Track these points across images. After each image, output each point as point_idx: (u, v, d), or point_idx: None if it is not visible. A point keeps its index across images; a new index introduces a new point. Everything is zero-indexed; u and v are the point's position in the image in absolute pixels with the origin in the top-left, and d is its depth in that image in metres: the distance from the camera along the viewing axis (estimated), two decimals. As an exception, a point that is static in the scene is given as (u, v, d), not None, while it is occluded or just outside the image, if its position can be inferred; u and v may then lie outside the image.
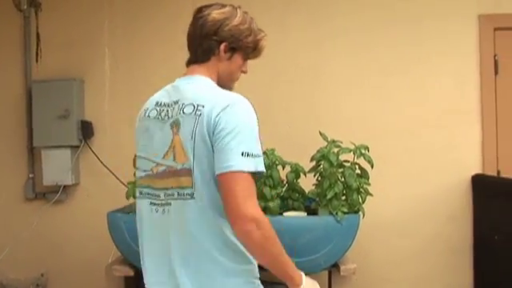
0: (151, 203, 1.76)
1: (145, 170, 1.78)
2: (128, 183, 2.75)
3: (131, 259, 2.67)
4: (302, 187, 2.85)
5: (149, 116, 1.82)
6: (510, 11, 3.49)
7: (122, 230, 2.63)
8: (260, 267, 2.64)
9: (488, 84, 3.50)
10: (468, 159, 3.51)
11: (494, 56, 3.51)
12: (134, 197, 2.65)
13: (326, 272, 2.76)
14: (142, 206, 1.81)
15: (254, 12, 3.51)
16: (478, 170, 3.50)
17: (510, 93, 3.52)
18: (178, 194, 1.67)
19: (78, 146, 3.55)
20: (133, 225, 2.59)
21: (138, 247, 2.57)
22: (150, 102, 1.87)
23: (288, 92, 3.53)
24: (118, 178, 3.39)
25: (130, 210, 2.74)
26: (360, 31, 3.53)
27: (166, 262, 1.74)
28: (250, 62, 3.59)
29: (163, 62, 3.58)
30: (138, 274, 2.76)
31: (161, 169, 1.72)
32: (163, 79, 3.51)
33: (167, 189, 1.70)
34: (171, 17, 3.59)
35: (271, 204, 2.59)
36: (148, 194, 1.77)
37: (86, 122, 3.56)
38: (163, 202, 1.72)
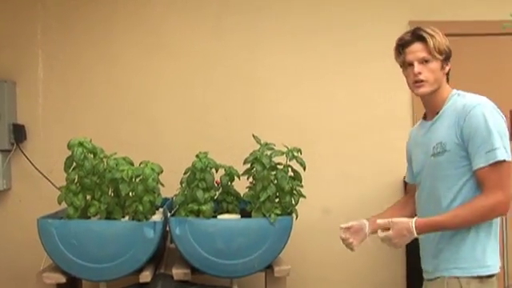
0: None
1: None
2: (61, 187, 2.68)
3: (63, 266, 2.61)
4: (238, 190, 2.87)
5: None
6: (440, 18, 3.63)
7: (53, 236, 2.57)
8: (196, 270, 2.65)
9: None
10: (400, 161, 3.60)
11: (426, 58, 3.63)
12: (66, 202, 2.62)
13: (263, 274, 2.77)
14: None
15: (190, 14, 3.57)
16: (409, 172, 3.60)
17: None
18: None
19: (9, 150, 3.45)
20: (65, 230, 2.56)
21: (70, 253, 2.54)
22: None
23: (223, 95, 3.55)
24: (51, 182, 3.31)
25: (62, 216, 2.68)
26: (295, 34, 3.60)
27: None
28: (182, 64, 3.62)
29: (98, 63, 3.53)
30: (70, 281, 2.72)
31: None
32: (99, 81, 3.52)
33: None
34: (105, 17, 3.55)
35: (204, 207, 2.59)
36: None
37: (18, 125, 3.46)
38: None
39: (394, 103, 3.62)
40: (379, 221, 2.14)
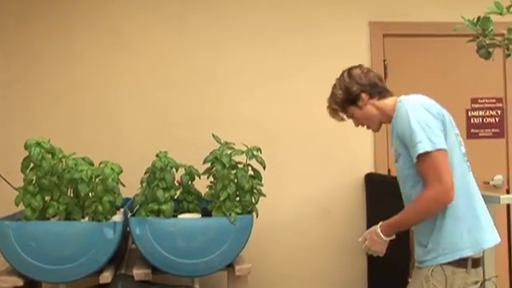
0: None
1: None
2: (18, 188, 2.64)
3: (20, 269, 2.57)
4: (199, 190, 2.87)
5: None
6: (398, 19, 3.71)
7: (10, 237, 2.53)
8: (157, 270, 2.64)
9: (378, 87, 3.68)
10: (361, 159, 3.69)
11: (384, 61, 3.71)
12: (24, 203, 2.58)
13: (225, 273, 2.78)
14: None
15: (151, 13, 3.56)
16: (370, 170, 3.68)
17: (398, 95, 3.70)
18: None
19: (-36, 150, 3.37)
20: (22, 232, 2.52)
21: (28, 256, 2.50)
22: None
23: (184, 94, 3.55)
24: (9, 183, 3.22)
25: (20, 217, 2.64)
26: (256, 34, 3.63)
27: None
28: (144, 63, 3.59)
29: (58, 61, 3.49)
30: (28, 284, 2.67)
31: None
32: (58, 80, 3.47)
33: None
34: (65, 14, 3.51)
35: (164, 207, 2.59)
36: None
37: (-26, 124, 3.39)
38: None
39: (355, 102, 3.68)
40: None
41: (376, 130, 2.42)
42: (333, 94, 2.44)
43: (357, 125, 2.45)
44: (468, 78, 3.87)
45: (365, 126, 2.43)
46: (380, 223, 2.24)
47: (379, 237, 2.21)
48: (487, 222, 2.21)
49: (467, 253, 2.12)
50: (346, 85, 2.37)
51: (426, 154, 2.06)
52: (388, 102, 2.32)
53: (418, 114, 2.13)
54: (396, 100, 2.30)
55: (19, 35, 3.48)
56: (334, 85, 2.45)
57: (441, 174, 2.05)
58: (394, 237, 2.24)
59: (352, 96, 2.35)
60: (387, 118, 2.31)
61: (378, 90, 2.35)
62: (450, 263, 2.11)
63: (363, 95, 2.33)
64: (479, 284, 2.15)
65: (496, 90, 3.94)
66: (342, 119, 2.47)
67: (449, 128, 2.19)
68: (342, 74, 2.44)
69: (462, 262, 2.11)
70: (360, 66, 2.42)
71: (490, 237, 2.20)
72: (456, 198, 2.09)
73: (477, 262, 2.16)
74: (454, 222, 2.13)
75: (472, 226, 2.15)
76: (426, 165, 2.08)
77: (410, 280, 2.30)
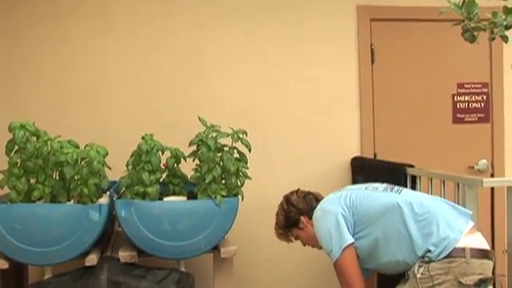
0: None
1: None
2: (2, 171, 2.63)
3: (6, 251, 2.57)
4: (185, 173, 2.88)
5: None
6: (386, 3, 3.71)
7: (-5, 220, 2.52)
8: (143, 252, 2.65)
9: (365, 72, 3.71)
10: (348, 143, 3.71)
11: (371, 45, 3.72)
12: (9, 186, 2.57)
13: (211, 255, 2.79)
14: None
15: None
16: (356, 153, 3.70)
17: (385, 80, 3.76)
18: None
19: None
20: (7, 215, 2.52)
21: (13, 238, 2.50)
22: None
23: (170, 77, 3.54)
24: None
25: (5, 200, 2.63)
26: (242, 16, 3.61)
27: None
28: (129, 46, 3.55)
29: (43, 44, 3.47)
30: (14, 266, 2.67)
31: None
32: (44, 62, 3.44)
33: None
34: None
35: (150, 189, 2.59)
36: None
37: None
38: None
39: (341, 85, 3.70)
40: None
41: (320, 248, 2.56)
42: (276, 221, 2.71)
43: (304, 244, 2.71)
44: (454, 63, 3.89)
45: (311, 246, 2.68)
46: None
47: None
48: (450, 212, 2.30)
49: (456, 237, 2.18)
50: (286, 211, 2.65)
51: (336, 262, 2.37)
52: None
53: (321, 224, 2.43)
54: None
55: (4, 17, 3.44)
56: (277, 212, 2.71)
57: (350, 281, 2.36)
58: None
59: (292, 220, 2.63)
60: None
61: (312, 211, 2.56)
62: (446, 256, 2.18)
63: (302, 218, 2.61)
64: (480, 277, 2.18)
65: (482, 76, 3.97)
66: (290, 241, 2.74)
67: (353, 199, 2.41)
68: (282, 201, 2.71)
69: (458, 252, 2.17)
70: (297, 191, 2.70)
71: (459, 220, 2.28)
72: (417, 213, 2.27)
73: (481, 253, 2.20)
74: (424, 232, 2.24)
75: (440, 223, 2.23)
76: (337, 273, 2.41)
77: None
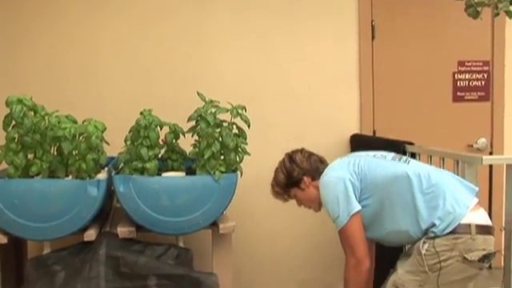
0: None
1: None
2: (0, 146, 2.61)
3: (4, 226, 2.57)
4: (184, 148, 2.87)
5: None
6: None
7: (-7, 195, 2.52)
8: (142, 228, 2.66)
9: (365, 48, 3.68)
10: (347, 120, 3.70)
11: (372, 22, 3.68)
12: (6, 161, 2.55)
13: (209, 231, 2.80)
14: None
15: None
16: (356, 131, 3.69)
17: (385, 57, 3.72)
18: None
19: None
20: (5, 190, 2.51)
21: (12, 213, 2.49)
22: None
23: (169, 52, 3.51)
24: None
25: (2, 176, 2.62)
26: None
27: None
28: (128, 21, 3.51)
29: (41, 18, 3.42)
30: (13, 241, 2.68)
31: None
32: (41, 37, 3.41)
33: None
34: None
35: (148, 165, 2.58)
36: None
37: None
38: None
39: (341, 62, 3.67)
40: None
41: (317, 210, 2.57)
42: (275, 178, 2.63)
43: (299, 205, 2.63)
44: (456, 40, 3.86)
45: (307, 207, 2.63)
46: None
47: None
48: (457, 187, 2.31)
49: (463, 212, 2.19)
50: (288, 169, 2.57)
51: (343, 228, 2.33)
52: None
53: (329, 190, 2.37)
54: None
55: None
56: (277, 169, 2.63)
57: (354, 247, 2.32)
58: None
59: (294, 180, 2.55)
60: None
61: (320, 172, 2.50)
62: (451, 232, 2.18)
63: (305, 178, 2.54)
64: (485, 253, 2.19)
65: (483, 54, 3.93)
66: (286, 200, 2.67)
67: (362, 166, 2.37)
68: (284, 159, 2.63)
69: (464, 228, 2.18)
70: (301, 151, 2.62)
71: (466, 195, 2.29)
72: (423, 184, 2.26)
73: (485, 229, 2.22)
74: (439, 201, 2.23)
75: (447, 197, 2.24)
76: (342, 239, 2.37)
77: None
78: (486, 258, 2.20)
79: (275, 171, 2.64)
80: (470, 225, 2.18)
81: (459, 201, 2.23)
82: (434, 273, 2.18)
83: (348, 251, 2.35)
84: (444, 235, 2.18)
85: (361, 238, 2.32)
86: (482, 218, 2.25)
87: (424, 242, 2.20)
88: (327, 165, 2.56)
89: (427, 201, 2.24)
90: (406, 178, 2.27)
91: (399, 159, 2.41)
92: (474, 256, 2.17)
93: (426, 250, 2.19)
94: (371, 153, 2.49)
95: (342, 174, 2.35)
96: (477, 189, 2.34)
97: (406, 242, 2.39)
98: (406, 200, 2.26)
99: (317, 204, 2.55)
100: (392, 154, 2.46)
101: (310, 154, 2.60)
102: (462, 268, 2.18)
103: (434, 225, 2.21)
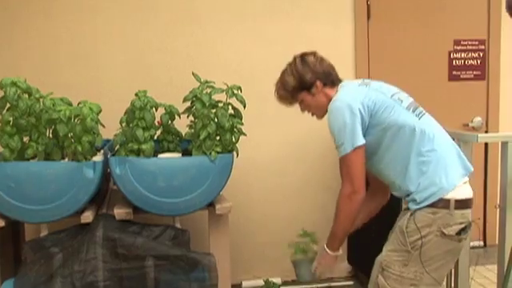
0: None
1: None
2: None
3: (1, 209, 2.57)
4: (179, 129, 2.86)
5: None
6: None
7: (-10, 177, 2.51)
8: (139, 209, 2.66)
9: (361, 28, 3.66)
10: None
11: (367, 1, 3.65)
12: (2, 144, 2.54)
13: (206, 212, 2.80)
14: None
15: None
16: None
17: (381, 37, 3.71)
18: None
19: None
20: (1, 173, 2.50)
21: (8, 196, 2.50)
22: None
23: (163, 33, 3.48)
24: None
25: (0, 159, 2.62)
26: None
27: None
28: (122, 2, 3.48)
29: None
30: (11, 224, 2.68)
31: None
32: (35, 19, 3.40)
33: None
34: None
35: (144, 146, 2.57)
36: None
37: None
38: None
39: (337, 41, 3.65)
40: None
41: (321, 117, 2.48)
42: (283, 81, 2.46)
43: (303, 110, 2.53)
44: (451, 19, 3.84)
45: (310, 113, 2.52)
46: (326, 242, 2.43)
47: (327, 252, 2.40)
48: (454, 160, 2.28)
49: (449, 188, 2.18)
50: (300, 72, 2.40)
51: (345, 156, 2.24)
52: (332, 92, 2.39)
53: (337, 117, 2.24)
54: (332, 94, 2.38)
55: None
56: (285, 71, 2.47)
57: (353, 176, 2.24)
58: (340, 252, 2.41)
59: (306, 84, 2.40)
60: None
61: (332, 79, 2.41)
62: (431, 205, 2.18)
63: (318, 83, 2.39)
64: (462, 226, 2.20)
65: (479, 32, 3.92)
66: (290, 104, 2.53)
67: (379, 100, 2.27)
68: (295, 61, 2.45)
69: (444, 203, 2.17)
70: (314, 54, 2.46)
71: (465, 166, 2.29)
72: (423, 145, 2.22)
73: (463, 204, 2.21)
74: (429, 166, 2.21)
75: (445, 163, 2.23)
76: (343, 166, 2.28)
77: None
78: (463, 230, 2.21)
79: (282, 74, 2.47)
80: (449, 200, 2.18)
81: (449, 176, 2.22)
82: (416, 251, 2.19)
83: (346, 179, 2.28)
84: (423, 208, 2.19)
85: (361, 169, 2.26)
86: (463, 192, 2.24)
87: (406, 220, 2.21)
88: (337, 73, 2.46)
89: (420, 163, 2.22)
90: (412, 132, 2.23)
91: (414, 110, 2.32)
92: (451, 231, 2.18)
93: (406, 227, 2.20)
94: (391, 91, 2.36)
95: (354, 104, 2.23)
96: (472, 169, 2.33)
97: (392, 188, 2.38)
98: (402, 153, 2.24)
99: (323, 112, 2.42)
100: (409, 101, 2.35)
101: (322, 59, 2.46)
102: (442, 242, 2.19)
103: (416, 190, 2.21)
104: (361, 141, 2.23)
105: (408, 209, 2.26)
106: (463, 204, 2.21)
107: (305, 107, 2.50)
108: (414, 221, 2.19)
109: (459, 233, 2.20)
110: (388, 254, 2.28)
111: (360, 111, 2.23)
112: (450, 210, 2.17)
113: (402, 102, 2.32)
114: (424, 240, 2.17)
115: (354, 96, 2.28)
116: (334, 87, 2.40)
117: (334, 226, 2.36)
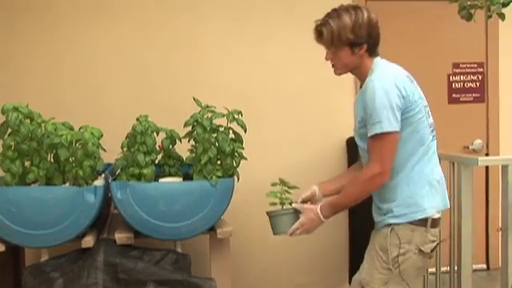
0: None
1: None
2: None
3: (2, 234, 2.57)
4: (180, 154, 2.87)
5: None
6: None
7: (-10, 202, 2.51)
8: (140, 234, 2.66)
9: (361, 52, 3.68)
10: (343, 123, 3.70)
11: (366, 25, 3.68)
12: (3, 168, 2.55)
13: (207, 236, 2.80)
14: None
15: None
16: (352, 134, 3.68)
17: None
18: None
19: None
20: (2, 198, 2.50)
21: (9, 221, 2.49)
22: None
23: (165, 58, 3.52)
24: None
25: (0, 184, 2.62)
26: (237, -3, 3.57)
27: None
28: (124, 27, 3.53)
29: (37, 24, 3.43)
30: (11, 249, 2.67)
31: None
32: (38, 43, 3.43)
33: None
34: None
35: (145, 170, 2.58)
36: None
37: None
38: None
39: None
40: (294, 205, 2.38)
41: (339, 74, 2.38)
42: (339, 22, 2.22)
43: (329, 59, 2.34)
44: (450, 42, 3.88)
45: (331, 64, 2.36)
46: (320, 203, 2.31)
47: (318, 217, 2.29)
48: (443, 188, 2.31)
49: (429, 213, 2.20)
50: (360, 26, 2.20)
51: (382, 134, 2.13)
52: (368, 62, 2.29)
53: (384, 93, 2.14)
54: (372, 64, 2.28)
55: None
56: (346, 11, 2.23)
57: (384, 156, 2.15)
58: (330, 220, 2.33)
59: (356, 42, 2.22)
60: (358, 74, 2.34)
61: (375, 50, 2.31)
62: (411, 222, 2.19)
63: (365, 46, 2.24)
64: (435, 244, 2.24)
65: (477, 55, 3.96)
66: (322, 45, 2.33)
67: (418, 102, 2.23)
68: (361, 12, 2.22)
69: (422, 222, 2.19)
70: (376, 18, 2.27)
71: (445, 201, 2.31)
72: (421, 163, 2.21)
73: (435, 223, 2.24)
74: (417, 185, 2.22)
75: (433, 189, 2.24)
76: (376, 144, 2.16)
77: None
78: (434, 248, 2.25)
79: (341, 14, 2.23)
80: (427, 219, 2.19)
81: (434, 204, 2.23)
82: (396, 269, 2.19)
83: (376, 157, 2.15)
84: (401, 223, 2.19)
85: (393, 153, 2.16)
86: (438, 213, 2.27)
87: (388, 236, 2.19)
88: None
89: (412, 179, 2.21)
90: (422, 147, 2.21)
91: (432, 130, 2.31)
92: (428, 248, 2.20)
93: (390, 244, 2.19)
94: (425, 101, 2.31)
95: (403, 91, 2.16)
96: (448, 206, 2.34)
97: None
98: (403, 159, 2.21)
99: (346, 71, 2.34)
100: (431, 120, 2.33)
101: (378, 25, 2.28)
102: (418, 259, 2.20)
103: (396, 201, 2.20)
104: (398, 127, 2.15)
105: (384, 224, 2.24)
106: (437, 223, 2.25)
107: (334, 59, 2.32)
108: (396, 237, 2.19)
109: (432, 250, 2.23)
110: (367, 272, 2.27)
111: (404, 100, 2.16)
112: (427, 228, 2.20)
113: (429, 116, 2.31)
114: (404, 257, 2.18)
115: (404, 83, 2.19)
116: (371, 57, 2.29)
117: (342, 198, 2.28)
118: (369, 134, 2.17)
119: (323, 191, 2.46)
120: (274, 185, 2.47)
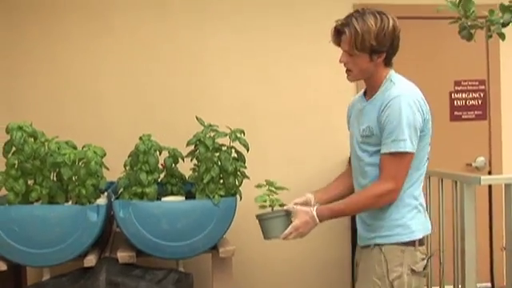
0: None
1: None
2: (0, 172, 2.62)
3: (4, 253, 2.57)
4: (183, 173, 2.87)
5: None
6: (382, 2, 3.64)
7: (-8, 221, 2.52)
8: (142, 253, 2.65)
9: (363, 70, 3.69)
10: (345, 142, 3.67)
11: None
12: (6, 187, 2.56)
13: (209, 255, 2.79)
14: None
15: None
16: (353, 152, 3.70)
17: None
18: None
19: None
20: (5, 217, 2.51)
21: (11, 240, 2.49)
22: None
23: (167, 77, 3.54)
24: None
25: (2, 202, 2.62)
26: (240, 16, 3.61)
27: None
28: (127, 47, 3.55)
29: (41, 43, 3.46)
30: (13, 268, 2.67)
31: None
32: (41, 62, 3.46)
33: None
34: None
35: (148, 189, 2.59)
36: None
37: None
38: None
39: (338, 84, 3.67)
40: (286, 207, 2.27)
41: (353, 80, 2.31)
42: (362, 26, 2.10)
43: (343, 62, 2.23)
44: (451, 60, 3.90)
45: (346, 69, 2.25)
46: (316, 206, 2.21)
47: (313, 220, 2.17)
48: (425, 212, 2.29)
49: (418, 235, 2.18)
50: (378, 36, 2.11)
51: (403, 153, 2.08)
52: (383, 72, 2.22)
53: (409, 113, 2.08)
54: (387, 74, 2.23)
55: (3, 15, 3.43)
56: (373, 16, 2.12)
57: (399, 175, 2.10)
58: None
59: (377, 49, 2.14)
60: (372, 82, 2.25)
61: (391, 60, 2.26)
62: (401, 243, 2.16)
63: (383, 55, 2.17)
64: (426, 260, 2.21)
65: (479, 73, 3.97)
66: (339, 46, 2.23)
67: (429, 126, 2.20)
68: (388, 20, 2.14)
69: (411, 242, 2.16)
70: (398, 26, 2.21)
71: (429, 225, 2.28)
72: (413, 187, 2.18)
73: (423, 241, 2.22)
74: (407, 208, 2.18)
75: (419, 213, 2.22)
76: (394, 161, 2.09)
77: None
78: (426, 265, 2.22)
79: (367, 18, 2.11)
80: (415, 241, 2.17)
81: (420, 227, 2.21)
82: None
83: (391, 175, 2.09)
84: (390, 244, 2.16)
85: (406, 174, 2.12)
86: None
87: (382, 261, 2.15)
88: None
89: (403, 203, 2.18)
90: (419, 170, 2.19)
91: (428, 153, 2.26)
92: (420, 267, 2.17)
93: (387, 270, 2.13)
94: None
95: (424, 114, 2.13)
96: (430, 232, 2.32)
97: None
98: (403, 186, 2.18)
99: (361, 78, 2.25)
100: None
101: (399, 37, 2.24)
102: (413, 280, 2.16)
103: (383, 220, 2.17)
104: (414, 149, 2.11)
105: (372, 244, 2.19)
106: (424, 241, 2.23)
107: (350, 63, 2.20)
108: (386, 261, 2.15)
109: (424, 267, 2.20)
110: None
111: (423, 123, 2.14)
112: (416, 247, 2.17)
113: (430, 139, 2.27)
114: (399, 281, 2.13)
115: (424, 105, 2.17)
116: (386, 67, 2.23)
117: (344, 207, 2.20)
118: (387, 150, 2.10)
119: (318, 200, 2.37)
120: (259, 186, 2.34)
